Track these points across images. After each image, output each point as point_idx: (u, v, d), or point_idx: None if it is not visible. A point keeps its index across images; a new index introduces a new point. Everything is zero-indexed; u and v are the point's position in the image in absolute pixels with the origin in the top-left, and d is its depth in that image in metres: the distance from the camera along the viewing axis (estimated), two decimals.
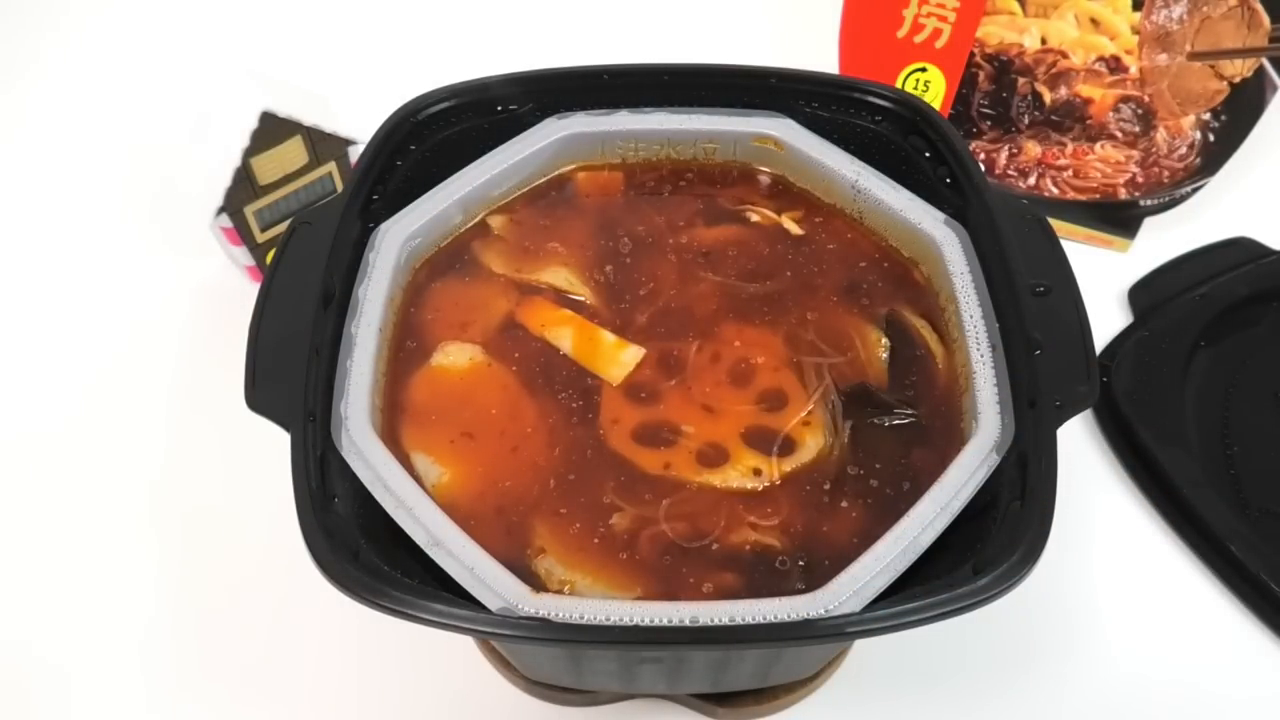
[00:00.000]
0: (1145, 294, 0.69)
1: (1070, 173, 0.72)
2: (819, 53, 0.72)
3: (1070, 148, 0.72)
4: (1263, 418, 0.64)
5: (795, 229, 0.55)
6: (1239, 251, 0.70)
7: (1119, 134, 0.72)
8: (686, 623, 0.39)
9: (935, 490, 0.43)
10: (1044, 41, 0.72)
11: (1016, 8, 0.72)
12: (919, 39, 0.72)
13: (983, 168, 0.56)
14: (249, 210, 0.63)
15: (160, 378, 0.66)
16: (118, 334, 0.68)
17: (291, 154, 0.62)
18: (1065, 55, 0.72)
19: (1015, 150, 0.73)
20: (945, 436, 0.47)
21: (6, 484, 0.62)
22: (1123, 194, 0.72)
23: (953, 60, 0.72)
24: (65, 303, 0.70)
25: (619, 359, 0.50)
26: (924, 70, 0.72)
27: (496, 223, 0.55)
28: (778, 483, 0.46)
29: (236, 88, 0.60)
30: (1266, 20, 0.69)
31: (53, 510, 0.61)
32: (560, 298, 0.52)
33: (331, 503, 0.42)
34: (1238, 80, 0.70)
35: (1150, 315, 0.68)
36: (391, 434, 0.47)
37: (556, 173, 0.57)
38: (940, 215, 0.52)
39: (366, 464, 0.44)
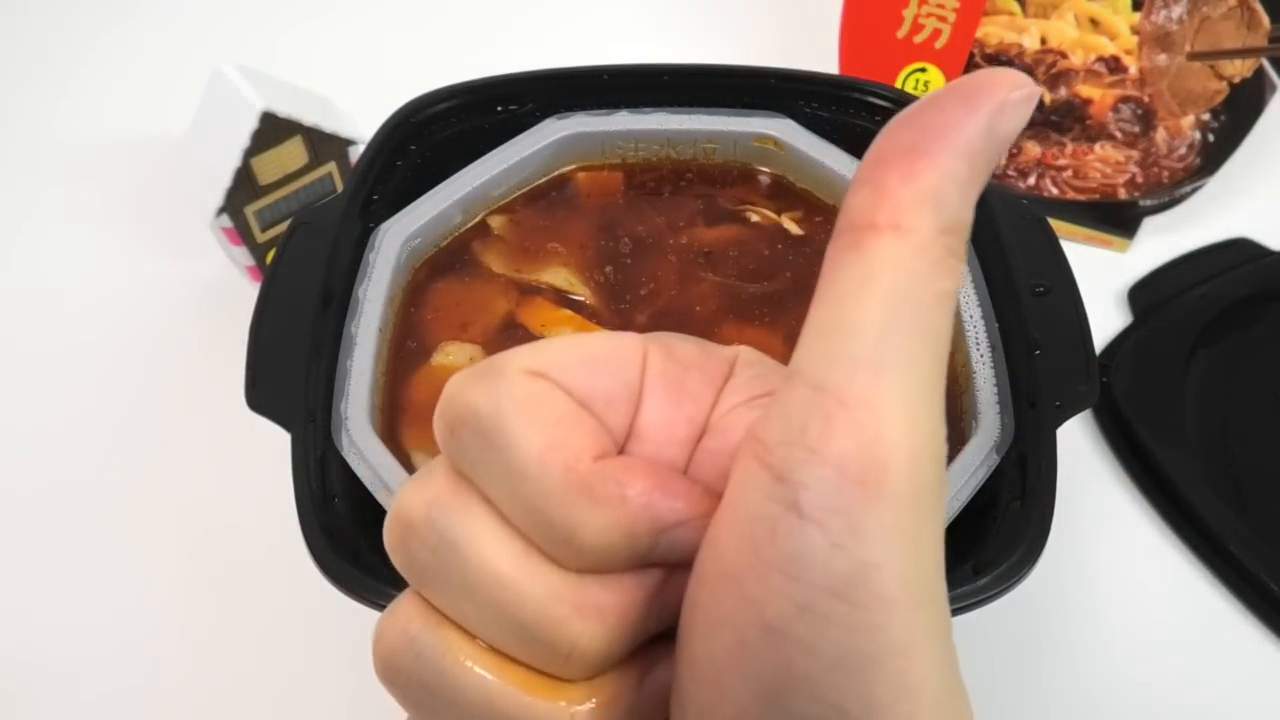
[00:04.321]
0: (1145, 294, 0.69)
1: (1070, 173, 0.72)
2: (819, 53, 0.72)
3: (1070, 148, 0.72)
4: (1263, 418, 0.64)
5: (795, 229, 0.55)
6: (1239, 251, 0.70)
7: (1119, 134, 0.72)
8: None
9: None
10: (1044, 42, 0.72)
11: (1016, 8, 0.72)
12: (919, 39, 0.72)
13: None
14: (249, 210, 0.63)
15: (160, 378, 0.66)
16: (117, 334, 0.68)
17: (291, 154, 0.62)
18: (1065, 55, 0.72)
19: (1015, 150, 0.73)
20: None
21: (5, 484, 0.62)
22: (1122, 194, 0.72)
23: (953, 60, 0.72)
24: (64, 302, 0.70)
25: None
26: (924, 70, 0.72)
27: (496, 223, 0.55)
28: None
29: (236, 88, 0.60)
30: (1266, 20, 0.69)
31: (50, 510, 0.61)
32: (560, 298, 0.52)
33: (331, 503, 0.42)
34: (1238, 80, 0.70)
35: (1150, 315, 0.68)
36: (391, 434, 0.47)
37: (556, 173, 0.56)
38: None
39: (366, 464, 0.44)
